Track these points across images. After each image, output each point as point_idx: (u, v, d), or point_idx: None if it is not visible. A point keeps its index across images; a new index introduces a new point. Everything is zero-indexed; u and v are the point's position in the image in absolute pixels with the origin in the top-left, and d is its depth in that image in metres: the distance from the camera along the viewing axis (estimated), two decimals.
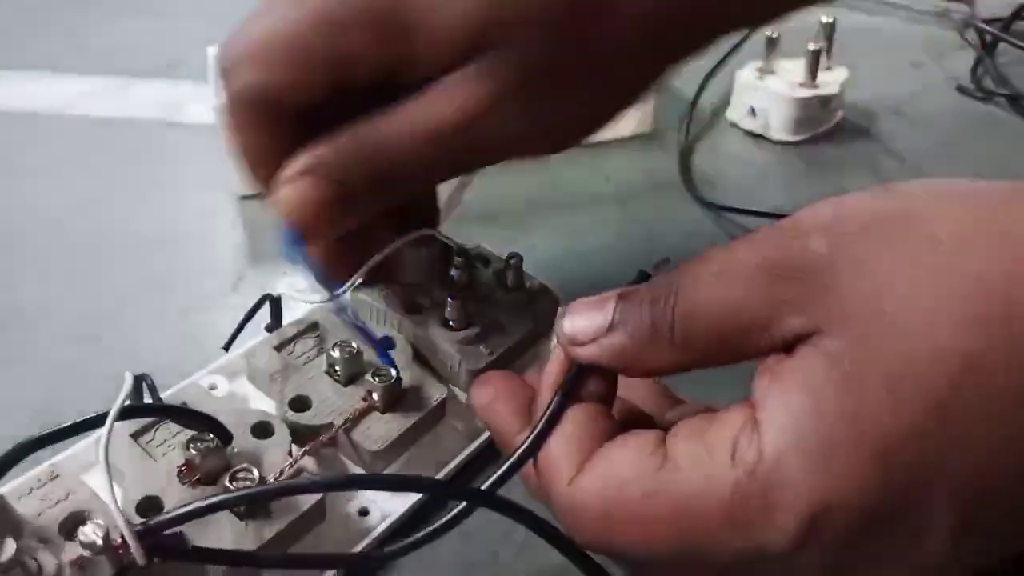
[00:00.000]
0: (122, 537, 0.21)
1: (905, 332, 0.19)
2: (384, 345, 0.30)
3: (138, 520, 0.22)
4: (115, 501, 0.21)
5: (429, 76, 0.26)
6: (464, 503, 0.23)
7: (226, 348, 0.33)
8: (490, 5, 0.25)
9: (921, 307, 0.19)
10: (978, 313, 0.19)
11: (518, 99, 0.26)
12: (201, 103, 0.57)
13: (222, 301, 0.40)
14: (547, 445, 0.23)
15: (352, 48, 0.26)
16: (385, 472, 0.29)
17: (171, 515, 0.22)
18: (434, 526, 0.23)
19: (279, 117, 0.27)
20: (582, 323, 0.24)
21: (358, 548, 0.27)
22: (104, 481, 0.22)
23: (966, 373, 0.19)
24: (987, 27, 0.65)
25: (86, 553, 0.21)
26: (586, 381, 0.23)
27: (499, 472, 0.23)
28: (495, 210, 0.46)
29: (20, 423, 0.33)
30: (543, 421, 0.23)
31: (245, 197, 0.47)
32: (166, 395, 0.29)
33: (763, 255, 0.21)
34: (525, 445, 0.23)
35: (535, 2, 0.25)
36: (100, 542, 0.21)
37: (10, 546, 0.21)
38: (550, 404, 0.23)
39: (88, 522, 0.21)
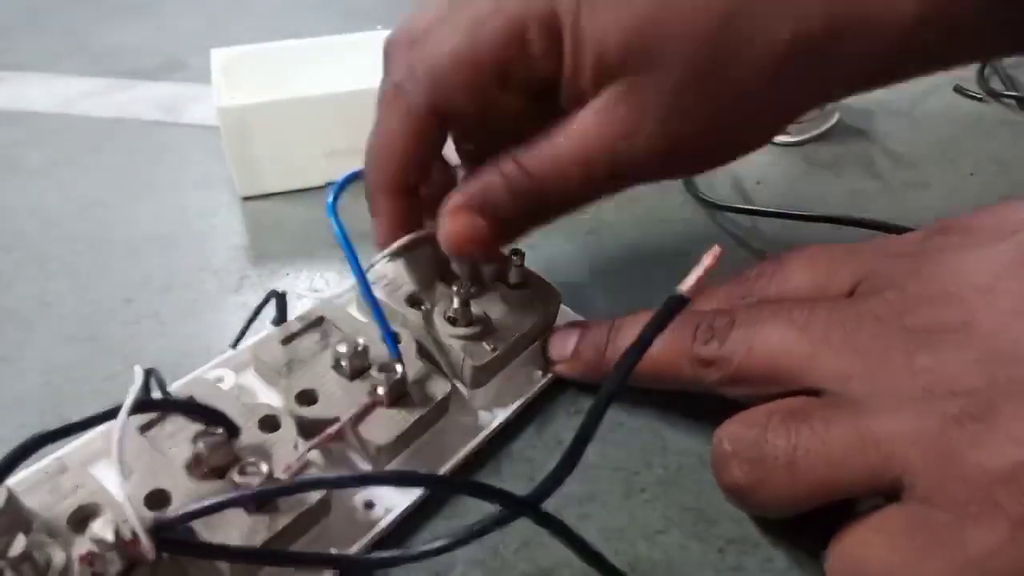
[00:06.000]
0: (133, 532, 0.21)
1: None
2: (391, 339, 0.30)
3: (147, 513, 0.22)
4: (128, 497, 0.21)
5: (571, 98, 0.27)
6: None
7: (234, 346, 0.33)
8: (639, 30, 0.25)
9: None
10: None
11: (661, 123, 0.26)
12: (201, 103, 0.57)
13: (223, 301, 0.40)
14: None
15: (531, 50, 0.26)
16: (389, 468, 0.29)
17: (184, 511, 0.22)
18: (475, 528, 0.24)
19: (438, 129, 0.29)
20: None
21: (364, 541, 0.27)
22: (114, 475, 0.22)
23: None
24: None
25: (96, 548, 0.21)
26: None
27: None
28: None
29: (20, 423, 0.33)
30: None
31: (246, 197, 0.47)
32: (172, 387, 0.29)
33: None
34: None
35: (680, 29, 0.25)
36: (112, 538, 0.21)
37: (20, 541, 0.21)
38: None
39: (99, 517, 0.21)
